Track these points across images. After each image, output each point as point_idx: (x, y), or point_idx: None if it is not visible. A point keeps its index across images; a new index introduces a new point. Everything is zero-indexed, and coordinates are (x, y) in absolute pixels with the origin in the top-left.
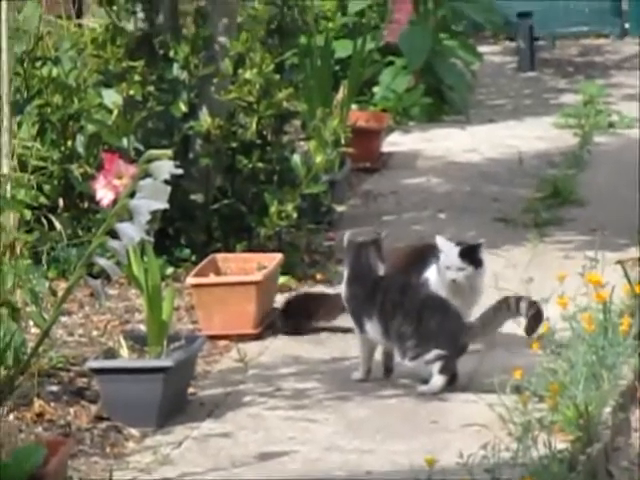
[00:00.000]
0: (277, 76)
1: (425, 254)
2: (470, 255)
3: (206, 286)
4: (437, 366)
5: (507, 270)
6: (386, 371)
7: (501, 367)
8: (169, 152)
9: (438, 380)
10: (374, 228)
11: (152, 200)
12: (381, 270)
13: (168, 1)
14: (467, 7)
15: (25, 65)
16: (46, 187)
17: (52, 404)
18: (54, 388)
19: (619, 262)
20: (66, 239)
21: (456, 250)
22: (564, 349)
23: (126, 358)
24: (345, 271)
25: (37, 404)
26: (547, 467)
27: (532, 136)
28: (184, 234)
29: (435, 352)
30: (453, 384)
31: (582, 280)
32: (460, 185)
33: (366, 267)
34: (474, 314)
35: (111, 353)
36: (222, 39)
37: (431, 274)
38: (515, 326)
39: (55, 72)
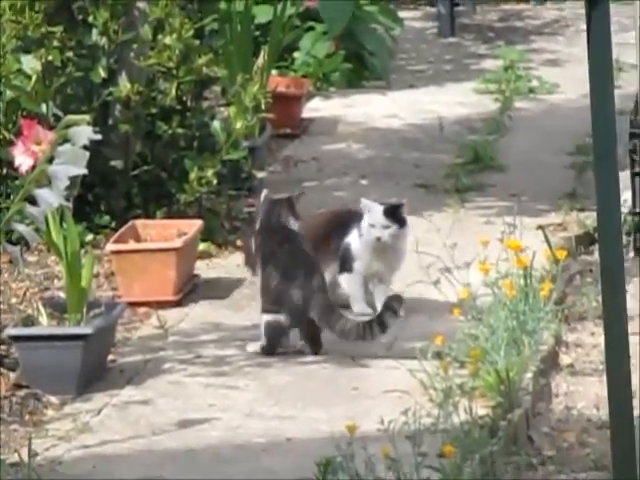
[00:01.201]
0: (197, 42)
1: (346, 219)
2: (394, 214)
3: (126, 253)
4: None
5: (429, 235)
6: None
7: (422, 333)
8: (88, 117)
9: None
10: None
11: (71, 166)
12: (294, 225)
13: None
14: None
15: None
16: None
17: None
18: None
19: (540, 227)
20: None
21: (380, 208)
22: (485, 315)
23: (45, 325)
24: (256, 224)
25: None
26: (468, 433)
27: (453, 102)
28: (104, 200)
29: (266, 317)
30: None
31: (502, 246)
32: (381, 151)
33: (275, 221)
34: (395, 279)
35: (30, 320)
36: (141, 4)
37: (352, 239)
38: (436, 292)
39: None
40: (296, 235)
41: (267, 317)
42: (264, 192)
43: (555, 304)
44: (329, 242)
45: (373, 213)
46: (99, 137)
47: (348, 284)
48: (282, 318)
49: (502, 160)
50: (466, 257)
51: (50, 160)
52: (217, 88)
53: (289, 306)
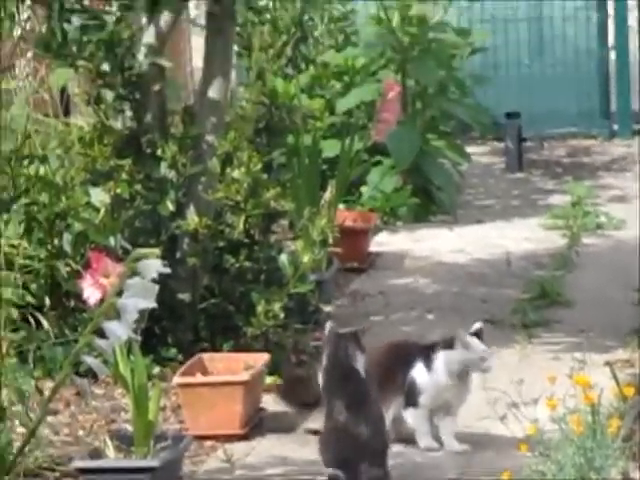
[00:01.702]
0: (265, 175)
1: (410, 351)
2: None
3: (193, 386)
4: None
5: (495, 371)
6: None
7: (489, 469)
8: (157, 251)
9: None
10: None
11: (140, 299)
12: (360, 362)
13: (156, 100)
14: (455, 108)
15: (12, 163)
16: (33, 286)
17: None
18: None
19: (607, 364)
20: (53, 338)
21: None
22: (553, 451)
23: (112, 458)
24: (323, 360)
25: None
26: None
27: (520, 237)
28: (171, 333)
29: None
30: None
31: (570, 382)
32: (448, 286)
33: (343, 356)
34: (462, 415)
35: (97, 453)
36: (210, 138)
37: (418, 372)
38: (503, 427)
39: (42, 170)
40: (360, 376)
41: (329, 472)
42: (328, 324)
43: (623, 441)
44: (394, 375)
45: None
46: (168, 270)
47: (414, 419)
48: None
49: (569, 296)
50: (533, 393)
51: (119, 293)
52: (285, 222)
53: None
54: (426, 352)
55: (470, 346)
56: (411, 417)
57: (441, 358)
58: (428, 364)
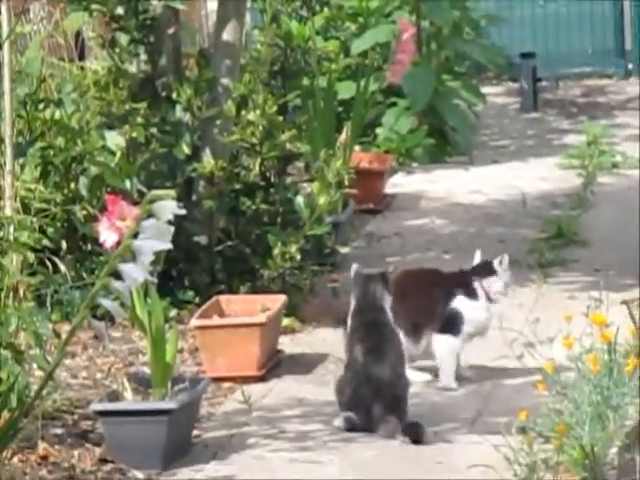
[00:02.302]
0: (280, 118)
1: (442, 279)
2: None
3: (210, 328)
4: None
5: (512, 310)
6: None
7: (506, 408)
8: (172, 192)
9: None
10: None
11: (155, 241)
12: (388, 304)
13: (171, 43)
14: (470, 48)
15: (28, 107)
16: (49, 229)
17: (56, 447)
18: (58, 431)
19: (624, 302)
20: (70, 281)
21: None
22: (569, 390)
23: (130, 400)
24: (352, 303)
25: (41, 447)
26: None
27: (536, 177)
28: (188, 276)
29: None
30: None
31: (587, 320)
32: (464, 226)
33: (371, 299)
34: (479, 354)
35: (115, 395)
36: (225, 81)
37: (460, 303)
38: (519, 368)
39: (58, 114)
40: (387, 318)
41: (343, 414)
42: (354, 266)
43: None
44: (430, 303)
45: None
46: (183, 212)
47: (450, 349)
48: (355, 418)
49: (585, 235)
50: (550, 332)
51: (135, 235)
52: (300, 164)
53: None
54: (464, 280)
55: (507, 272)
56: (447, 347)
57: (484, 285)
58: (469, 292)
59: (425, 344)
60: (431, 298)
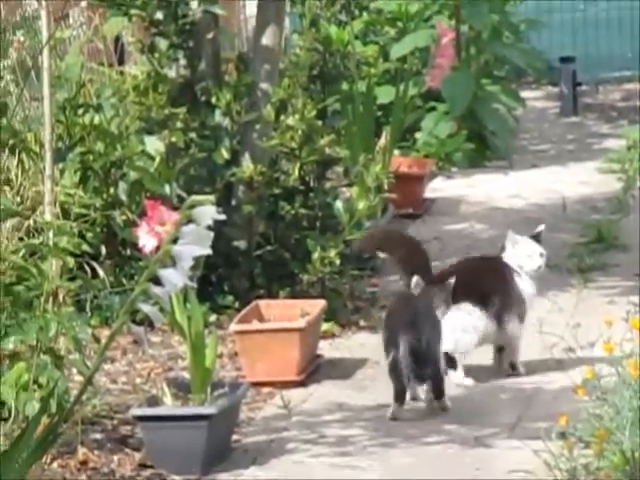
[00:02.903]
0: (319, 122)
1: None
2: (539, 241)
3: (249, 333)
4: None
5: (552, 315)
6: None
7: (546, 413)
8: (212, 197)
9: None
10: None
11: (195, 246)
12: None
13: (210, 48)
14: (509, 52)
15: (67, 113)
16: (89, 234)
17: (96, 452)
18: (98, 436)
19: None
20: (109, 286)
21: (528, 239)
22: (610, 395)
23: (169, 405)
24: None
25: (81, 452)
26: None
27: (575, 181)
28: (227, 281)
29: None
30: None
31: (627, 325)
32: (504, 231)
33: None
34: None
35: (154, 400)
36: (264, 85)
37: (526, 287)
38: (560, 374)
39: (97, 119)
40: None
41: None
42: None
43: None
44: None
45: (526, 244)
46: (223, 217)
47: (519, 336)
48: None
49: (626, 240)
50: (590, 337)
51: (174, 241)
52: (339, 168)
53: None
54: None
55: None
56: (518, 332)
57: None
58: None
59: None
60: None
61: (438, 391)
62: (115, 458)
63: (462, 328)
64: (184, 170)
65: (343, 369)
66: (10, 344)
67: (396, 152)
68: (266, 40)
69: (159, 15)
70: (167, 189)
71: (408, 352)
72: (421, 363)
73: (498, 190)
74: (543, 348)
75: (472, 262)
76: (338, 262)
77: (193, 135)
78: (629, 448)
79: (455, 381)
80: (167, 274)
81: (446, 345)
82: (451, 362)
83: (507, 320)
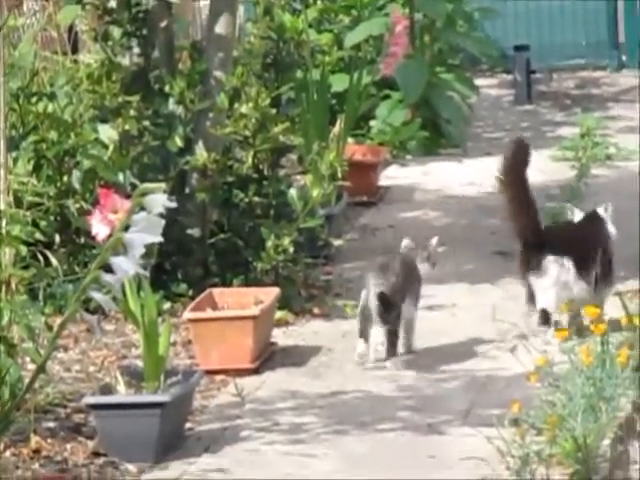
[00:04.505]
0: (273, 110)
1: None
2: None
3: (203, 321)
4: None
5: (506, 302)
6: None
7: (499, 400)
8: (163, 185)
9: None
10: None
11: (146, 234)
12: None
13: (163, 36)
14: (464, 40)
15: (20, 101)
16: (42, 223)
17: (49, 440)
18: (51, 424)
19: (617, 294)
20: (62, 275)
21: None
22: (562, 382)
23: (123, 393)
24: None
25: (34, 440)
26: None
27: (529, 169)
28: (181, 269)
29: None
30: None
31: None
32: (458, 218)
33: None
34: (472, 346)
35: (108, 389)
36: (218, 73)
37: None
38: (512, 361)
39: (51, 108)
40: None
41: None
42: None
43: (633, 370)
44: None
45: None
46: (174, 205)
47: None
48: None
49: None
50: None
51: (126, 228)
52: (293, 156)
53: None
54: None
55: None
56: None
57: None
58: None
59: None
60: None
61: (389, 343)
62: (68, 446)
63: (558, 284)
64: (138, 158)
65: (297, 357)
66: None
67: (350, 140)
68: (220, 28)
69: (112, 3)
70: (121, 177)
71: (374, 294)
72: (385, 308)
73: (452, 178)
74: (496, 335)
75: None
76: (292, 250)
77: (147, 123)
78: (581, 435)
79: (547, 337)
80: (118, 262)
81: (542, 302)
82: (546, 319)
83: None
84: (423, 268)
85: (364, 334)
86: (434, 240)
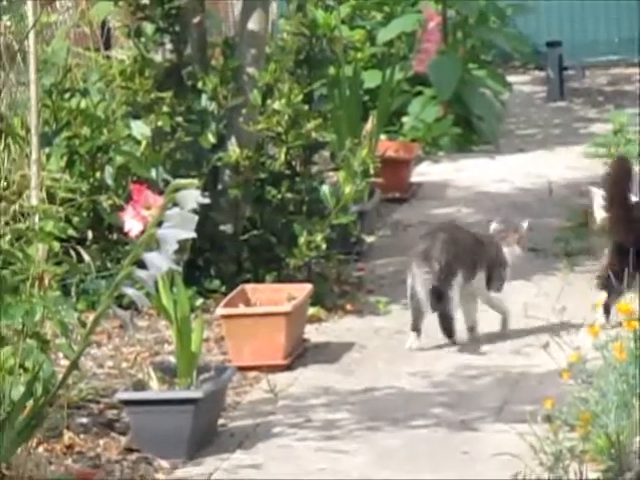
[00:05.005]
0: (306, 107)
1: None
2: None
3: (236, 317)
4: None
5: (538, 299)
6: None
7: (532, 397)
8: (196, 181)
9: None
10: None
11: (179, 229)
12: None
13: (196, 32)
14: (496, 37)
15: (54, 97)
16: (75, 219)
17: (82, 436)
18: (84, 420)
19: None
20: (95, 271)
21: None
22: (595, 378)
23: (156, 389)
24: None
25: (67, 436)
26: None
27: (562, 166)
28: (214, 265)
29: None
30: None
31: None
32: (490, 215)
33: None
34: (506, 342)
35: (141, 385)
36: (250, 70)
37: None
38: (545, 357)
39: (83, 104)
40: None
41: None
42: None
43: None
44: None
45: None
46: (207, 201)
47: None
48: None
49: None
50: (577, 320)
51: (159, 224)
52: (326, 153)
53: None
54: None
55: None
56: None
57: None
58: None
59: None
60: None
61: (443, 328)
62: (101, 442)
63: None
64: (170, 154)
65: (329, 353)
66: None
67: (383, 136)
68: (252, 25)
69: (145, 0)
70: (153, 173)
71: (420, 283)
72: (435, 295)
73: (485, 174)
74: (529, 332)
75: None
76: (324, 246)
77: (179, 119)
78: (614, 431)
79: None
80: (152, 257)
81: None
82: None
83: None
84: (513, 251)
85: (415, 325)
86: (525, 224)
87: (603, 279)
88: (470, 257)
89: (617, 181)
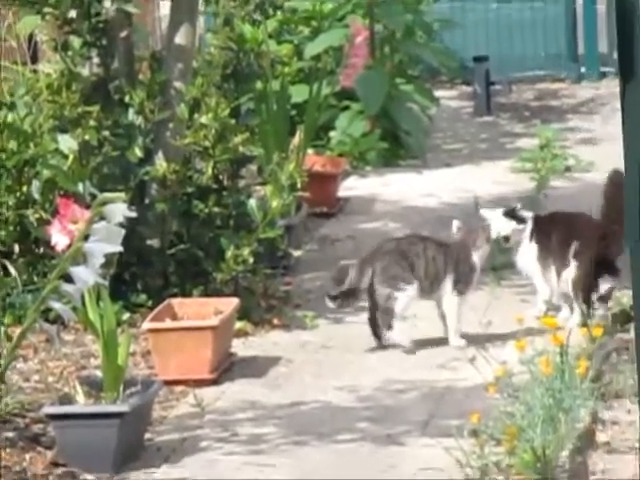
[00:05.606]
0: (233, 121)
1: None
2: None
3: (162, 331)
4: None
5: (465, 313)
6: None
7: (458, 411)
8: (123, 195)
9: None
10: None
11: (106, 243)
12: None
13: (123, 46)
14: (423, 51)
15: None
16: (1, 233)
17: (8, 450)
18: (10, 434)
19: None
20: (21, 285)
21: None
22: (521, 392)
23: (82, 404)
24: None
25: None
26: None
27: (489, 180)
28: (140, 279)
29: None
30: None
31: (539, 323)
32: (417, 229)
33: None
34: (433, 357)
35: (67, 399)
36: (177, 84)
37: None
38: (471, 371)
39: (10, 117)
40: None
41: None
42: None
43: (591, 382)
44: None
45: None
46: (134, 214)
47: None
48: None
49: None
50: (503, 335)
51: (85, 238)
52: (253, 167)
53: None
54: None
55: None
56: None
57: None
58: None
59: None
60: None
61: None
62: (27, 457)
63: None
64: (97, 168)
65: (256, 367)
66: None
67: (310, 151)
68: (179, 39)
69: (72, 13)
70: (80, 187)
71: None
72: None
73: (412, 189)
74: (455, 345)
75: None
76: (251, 261)
77: (106, 133)
78: (540, 445)
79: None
80: (78, 271)
81: None
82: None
83: None
84: (484, 253)
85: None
86: (488, 223)
87: (584, 285)
88: (432, 266)
89: (615, 195)
